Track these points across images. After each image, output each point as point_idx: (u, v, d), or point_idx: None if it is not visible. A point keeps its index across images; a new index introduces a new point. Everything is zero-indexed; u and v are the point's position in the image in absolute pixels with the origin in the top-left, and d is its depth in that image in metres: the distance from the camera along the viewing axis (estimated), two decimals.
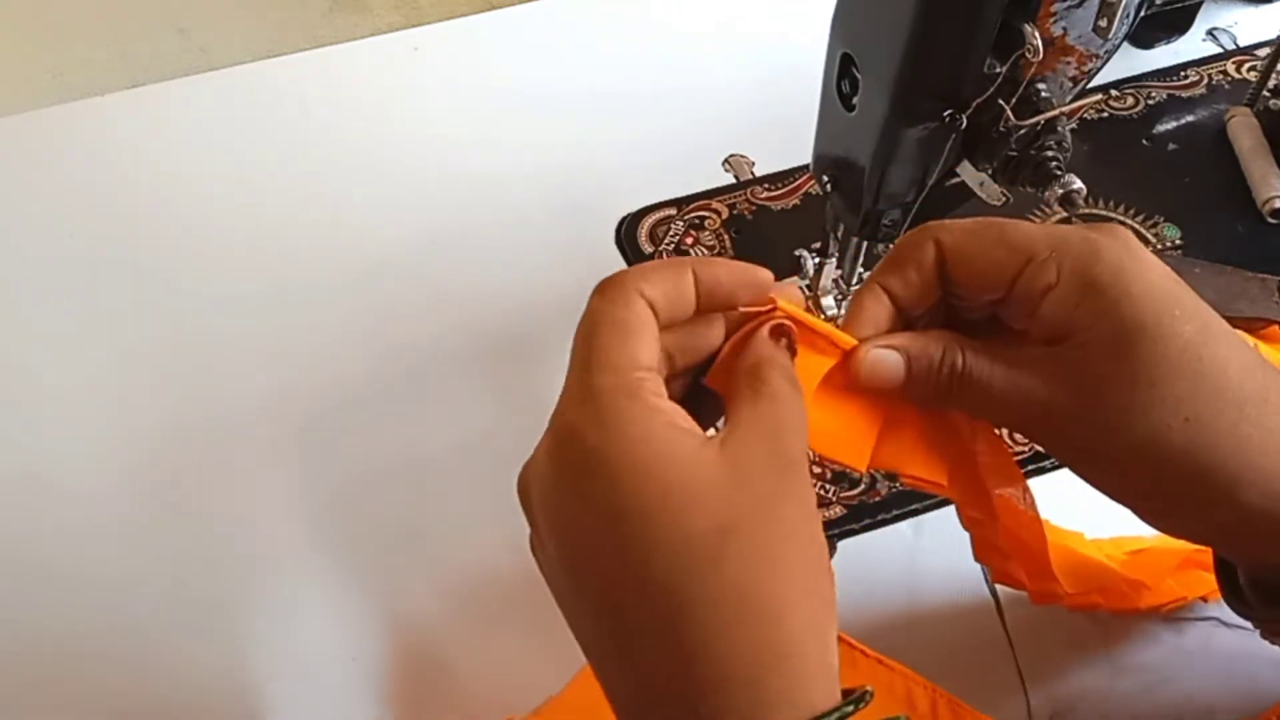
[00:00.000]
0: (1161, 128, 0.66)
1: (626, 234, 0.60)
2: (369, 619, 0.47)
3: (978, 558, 0.39)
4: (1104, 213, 0.61)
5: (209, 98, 0.67)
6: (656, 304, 0.30)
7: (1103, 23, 0.37)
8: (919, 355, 0.32)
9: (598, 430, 0.27)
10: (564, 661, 0.45)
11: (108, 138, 0.64)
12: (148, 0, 0.77)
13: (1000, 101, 0.38)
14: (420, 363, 0.55)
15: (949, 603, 0.46)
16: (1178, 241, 0.60)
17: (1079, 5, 0.37)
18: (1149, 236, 0.60)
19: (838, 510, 0.50)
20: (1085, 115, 0.66)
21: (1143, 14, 0.39)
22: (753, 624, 0.25)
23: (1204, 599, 0.46)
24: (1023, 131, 0.39)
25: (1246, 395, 0.29)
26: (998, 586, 0.42)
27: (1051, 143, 0.40)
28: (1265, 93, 0.65)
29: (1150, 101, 0.68)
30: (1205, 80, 0.69)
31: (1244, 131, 0.64)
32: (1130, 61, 0.70)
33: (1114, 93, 0.68)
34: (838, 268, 0.52)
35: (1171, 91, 0.68)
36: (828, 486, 0.51)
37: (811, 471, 0.46)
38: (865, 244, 0.49)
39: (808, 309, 0.34)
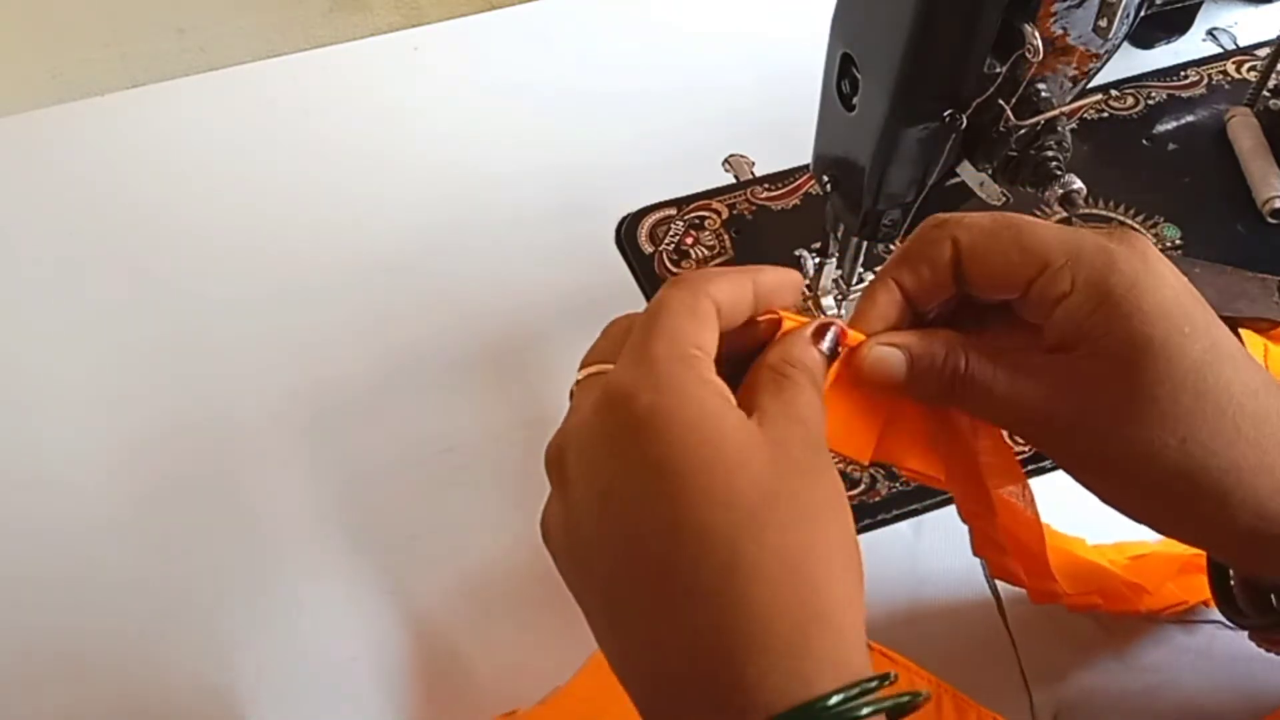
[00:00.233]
0: (1161, 128, 0.66)
1: (626, 234, 0.60)
2: (371, 617, 0.47)
3: (976, 551, 0.39)
4: (1104, 213, 0.61)
5: (209, 98, 0.67)
6: (720, 307, 0.30)
7: (1103, 23, 0.37)
8: (922, 354, 0.32)
9: (653, 391, 0.27)
10: (568, 656, 0.45)
11: (108, 138, 0.64)
12: (147, 0, 0.77)
13: (1000, 101, 0.38)
14: (420, 362, 0.55)
15: (950, 602, 0.47)
16: (1178, 241, 0.60)
17: (1079, 5, 0.37)
18: (1149, 236, 0.60)
19: None
20: (1085, 115, 0.66)
21: (1143, 14, 0.39)
22: (799, 586, 0.26)
23: (1205, 603, 0.46)
24: (1023, 131, 0.39)
25: (1246, 416, 0.30)
26: (999, 586, 0.42)
27: (1051, 143, 0.40)
28: (1265, 93, 0.65)
29: (1150, 101, 0.68)
30: (1205, 80, 0.69)
31: (1244, 131, 0.64)
32: (1130, 61, 0.70)
33: (1114, 93, 0.68)
34: (838, 268, 0.52)
35: (1171, 91, 0.68)
36: None
37: None
38: (865, 244, 0.49)
39: (808, 309, 0.34)
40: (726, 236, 0.60)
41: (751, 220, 0.61)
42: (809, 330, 0.32)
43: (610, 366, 0.30)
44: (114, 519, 0.49)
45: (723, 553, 0.26)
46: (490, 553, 0.48)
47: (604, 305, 0.57)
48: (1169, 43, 0.71)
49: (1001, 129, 0.39)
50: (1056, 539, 0.40)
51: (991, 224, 0.32)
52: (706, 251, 0.59)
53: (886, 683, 0.26)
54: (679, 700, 0.26)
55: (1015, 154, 0.40)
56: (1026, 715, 0.43)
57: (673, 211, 0.61)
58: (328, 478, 0.51)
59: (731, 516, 0.26)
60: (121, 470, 0.51)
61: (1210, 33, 0.73)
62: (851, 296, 0.52)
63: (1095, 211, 0.61)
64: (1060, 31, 0.38)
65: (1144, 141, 0.66)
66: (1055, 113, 0.39)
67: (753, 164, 0.64)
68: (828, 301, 0.53)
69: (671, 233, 0.60)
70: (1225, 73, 0.70)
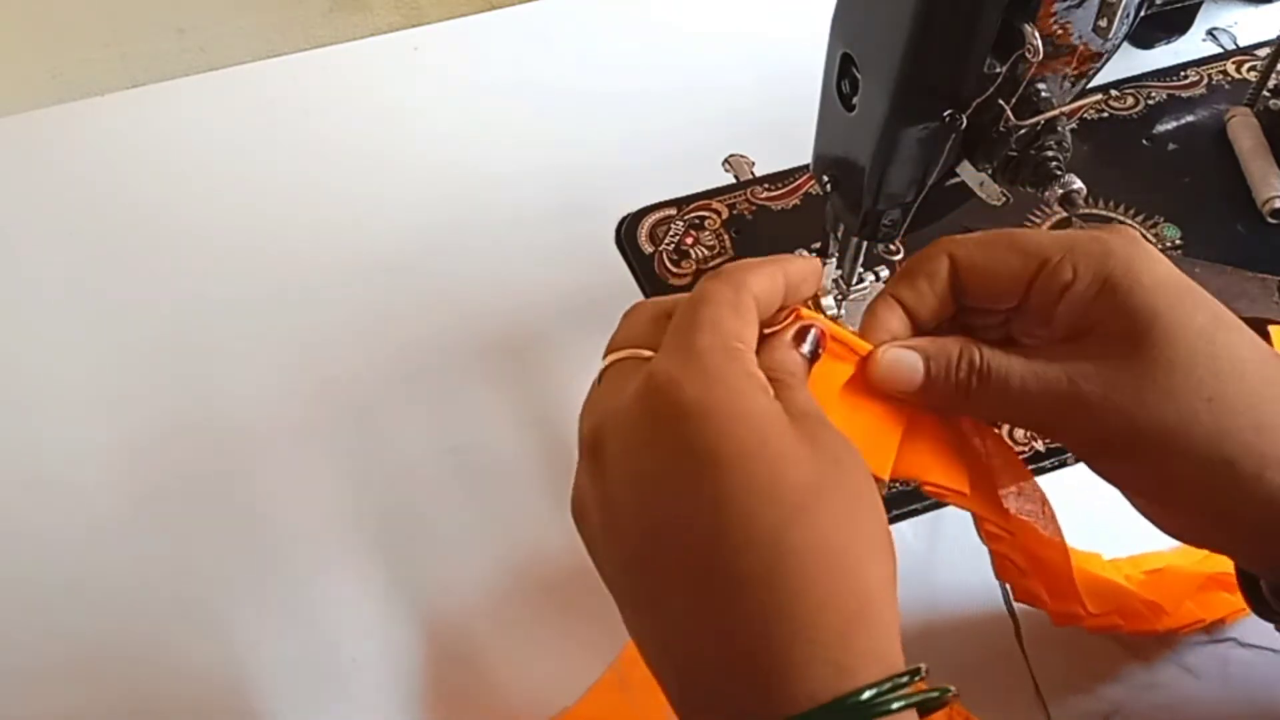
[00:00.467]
0: (1161, 128, 0.66)
1: (626, 234, 0.60)
2: (372, 616, 0.47)
3: (998, 575, 0.39)
4: (1104, 213, 0.61)
5: (209, 98, 0.67)
6: (759, 301, 0.31)
7: (1103, 23, 0.37)
8: (936, 354, 0.33)
9: (700, 383, 0.27)
10: (567, 656, 0.45)
11: (108, 138, 0.64)
12: (147, 0, 0.78)
13: (1000, 101, 0.38)
14: (420, 362, 0.55)
15: (955, 608, 0.46)
16: (1178, 241, 0.60)
17: (1079, 5, 0.37)
18: (1149, 236, 0.60)
19: None
20: (1085, 115, 0.66)
21: (1143, 14, 0.39)
22: (843, 578, 0.26)
23: (1223, 620, 0.45)
24: (1023, 131, 0.39)
25: (1264, 379, 0.30)
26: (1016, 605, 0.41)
27: (1051, 143, 0.40)
28: (1265, 93, 0.65)
29: (1150, 101, 0.68)
30: (1205, 80, 0.69)
31: (1244, 131, 0.64)
32: (1130, 61, 0.70)
33: (1114, 93, 0.68)
34: (838, 268, 0.52)
35: (1171, 91, 0.68)
36: None
37: None
38: (865, 244, 0.49)
39: (807, 308, 0.34)
40: (726, 236, 0.60)
41: (751, 220, 0.61)
42: (789, 334, 0.32)
43: (643, 352, 0.31)
44: (114, 519, 0.49)
45: (768, 542, 0.26)
46: (488, 552, 0.48)
47: (604, 305, 0.57)
48: (1169, 43, 0.71)
49: (1001, 129, 0.39)
50: (1074, 556, 0.39)
51: (983, 236, 0.33)
52: (706, 251, 0.59)
53: (918, 677, 0.26)
54: (716, 685, 0.26)
55: (1015, 154, 0.40)
56: None
57: (673, 211, 0.61)
58: (327, 478, 0.51)
59: (778, 508, 0.26)
60: (122, 470, 0.51)
61: (1210, 33, 0.73)
62: (852, 296, 0.52)
63: (1095, 211, 0.61)
64: (1060, 31, 0.38)
65: (1144, 141, 0.66)
66: (1055, 113, 0.39)
67: (753, 164, 0.64)
68: (827, 301, 0.53)
69: (671, 233, 0.60)
70: (1225, 73, 0.70)
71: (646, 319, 0.32)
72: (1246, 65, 0.70)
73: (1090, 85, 0.41)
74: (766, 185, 0.63)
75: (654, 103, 0.67)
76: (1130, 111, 0.67)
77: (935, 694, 0.26)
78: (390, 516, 0.50)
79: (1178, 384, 0.30)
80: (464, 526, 0.49)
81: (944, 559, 0.48)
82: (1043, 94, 0.39)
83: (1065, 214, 0.60)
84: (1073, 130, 0.41)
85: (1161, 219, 0.61)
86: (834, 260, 0.52)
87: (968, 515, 0.37)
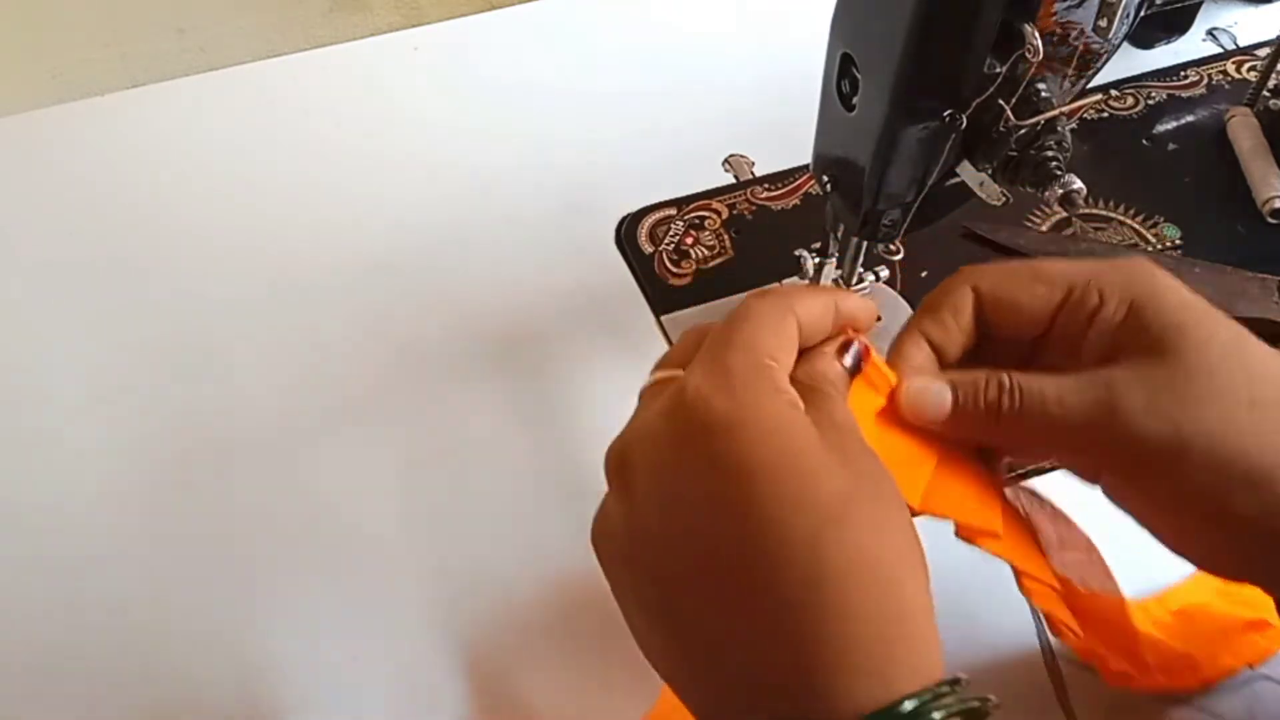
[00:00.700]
0: (1161, 128, 0.66)
1: (626, 234, 0.60)
2: (371, 616, 0.47)
3: (1053, 632, 0.38)
4: (1104, 213, 0.61)
5: (209, 98, 0.67)
6: (802, 327, 0.31)
7: (1103, 23, 0.37)
8: (965, 383, 0.33)
9: (727, 397, 0.27)
10: (566, 655, 0.45)
11: (108, 138, 0.64)
12: (147, 0, 0.78)
13: (1000, 101, 0.38)
14: (419, 362, 0.55)
15: (976, 636, 0.45)
16: (1178, 241, 0.60)
17: (1079, 5, 0.37)
18: (1149, 236, 0.60)
19: None
20: (1085, 115, 0.66)
21: (1143, 14, 0.39)
22: (882, 590, 0.26)
23: (1250, 665, 0.44)
24: (1023, 131, 0.39)
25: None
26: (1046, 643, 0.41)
27: (1051, 143, 0.40)
28: (1265, 93, 0.65)
29: (1150, 101, 0.68)
30: (1205, 80, 0.69)
31: (1244, 131, 0.64)
32: (1130, 61, 0.70)
33: (1114, 93, 0.68)
34: (838, 268, 0.52)
35: (1171, 91, 0.68)
36: None
37: None
38: (865, 244, 0.49)
39: None
40: (726, 236, 0.60)
41: (751, 220, 0.61)
42: (832, 346, 0.32)
43: (679, 372, 0.30)
44: (114, 518, 0.49)
45: (805, 556, 0.26)
46: (487, 553, 0.48)
47: (604, 305, 0.57)
48: (1169, 43, 0.71)
49: (1001, 129, 0.39)
50: (1097, 601, 0.38)
51: (1007, 267, 0.34)
52: (706, 251, 0.59)
53: (959, 688, 0.26)
54: (756, 703, 0.26)
55: (1015, 154, 0.40)
56: None
57: (673, 211, 0.61)
58: (327, 479, 0.51)
59: (812, 520, 0.26)
60: (121, 469, 0.51)
61: (1210, 33, 0.73)
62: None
63: (1095, 211, 0.61)
64: (1060, 31, 0.38)
65: (1144, 141, 0.66)
66: (1055, 113, 0.39)
67: (753, 164, 0.64)
68: None
69: (671, 233, 0.60)
70: (1225, 73, 0.70)
71: (692, 341, 0.32)
72: (1246, 65, 0.70)
73: (1090, 85, 0.41)
74: (766, 185, 0.63)
75: (654, 103, 0.67)
76: (1130, 111, 0.67)
77: (976, 703, 0.26)
78: (389, 516, 0.50)
79: (1218, 387, 0.30)
80: (463, 526, 0.49)
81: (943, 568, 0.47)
82: (1043, 94, 0.39)
83: (1065, 214, 0.60)
84: (1073, 130, 0.40)
85: (1161, 219, 0.61)
86: (834, 260, 0.52)
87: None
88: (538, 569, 0.48)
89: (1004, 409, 0.32)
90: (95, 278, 0.58)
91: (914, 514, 0.31)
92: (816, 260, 0.53)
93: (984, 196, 0.42)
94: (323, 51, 0.70)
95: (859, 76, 0.41)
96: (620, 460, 0.29)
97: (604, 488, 0.47)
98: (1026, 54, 0.36)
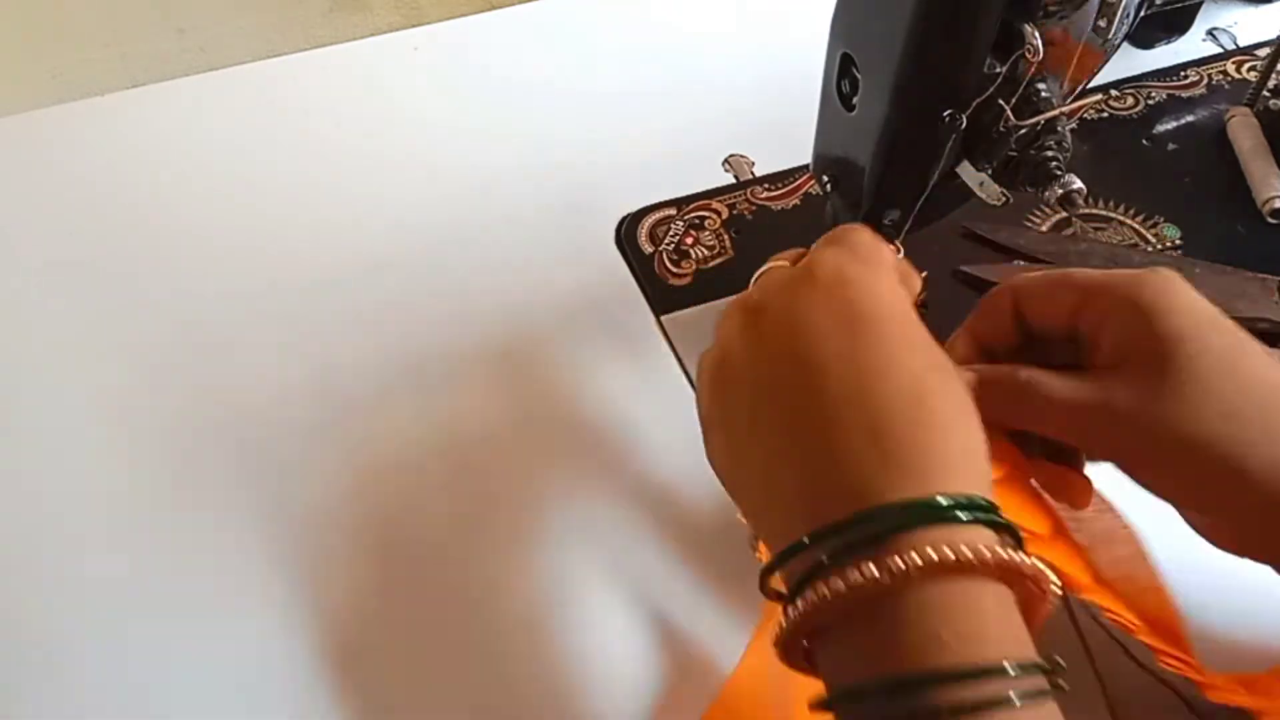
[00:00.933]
0: (1161, 128, 0.66)
1: (626, 234, 0.60)
2: (369, 616, 0.47)
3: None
4: (1104, 213, 0.61)
5: (209, 98, 0.67)
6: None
7: (1103, 23, 0.37)
8: (988, 372, 0.38)
9: (860, 263, 0.35)
10: (565, 660, 0.45)
11: (108, 138, 0.64)
12: (148, 0, 0.78)
13: (1000, 101, 0.38)
14: (419, 362, 0.55)
15: None
16: (1178, 241, 0.60)
17: (1079, 5, 0.37)
18: (1149, 236, 0.60)
19: None
20: (1085, 115, 0.66)
21: (1143, 14, 0.39)
22: (966, 422, 0.32)
23: None
24: (1023, 131, 0.39)
25: (1275, 400, 0.34)
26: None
27: (1051, 143, 0.40)
28: (1265, 93, 0.65)
29: (1150, 101, 0.68)
30: (1205, 80, 0.69)
31: (1244, 131, 0.64)
32: (1130, 61, 0.70)
33: (1114, 93, 0.68)
34: None
35: (1171, 91, 0.68)
36: None
37: None
38: None
39: None
40: (726, 236, 0.60)
41: (751, 220, 0.61)
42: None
43: (788, 263, 0.38)
44: (113, 518, 0.49)
45: (910, 385, 0.32)
46: (485, 553, 0.48)
47: (604, 305, 0.57)
48: (1169, 43, 0.71)
49: (1001, 129, 0.39)
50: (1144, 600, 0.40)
51: (1043, 275, 0.39)
52: (706, 251, 0.59)
53: (999, 513, 0.31)
54: (855, 468, 0.31)
55: (1015, 154, 0.40)
56: None
57: (673, 211, 0.61)
58: (326, 480, 0.51)
59: (921, 361, 0.33)
60: (121, 469, 0.51)
61: (1210, 33, 0.73)
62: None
63: (1095, 211, 0.61)
64: (1060, 31, 0.38)
65: (1144, 141, 0.66)
66: (1055, 113, 0.39)
67: (753, 164, 0.64)
68: None
69: (671, 233, 0.60)
70: (1225, 73, 0.70)
71: (794, 253, 0.39)
72: (1246, 65, 0.70)
73: (1090, 85, 0.41)
74: (766, 185, 0.63)
75: (654, 103, 0.67)
76: (1130, 111, 0.67)
77: (1004, 522, 0.31)
78: (389, 517, 0.50)
79: (1199, 400, 0.34)
80: (462, 526, 0.49)
81: None
82: (1043, 94, 0.39)
83: (1065, 214, 0.60)
84: (1073, 130, 0.41)
85: (1161, 219, 0.61)
86: None
87: None
88: (537, 568, 0.48)
89: (1020, 398, 0.37)
90: (95, 278, 0.58)
91: None
92: None
93: (984, 196, 0.42)
94: (323, 51, 0.70)
95: (859, 76, 0.41)
96: (751, 304, 0.36)
97: (603, 487, 0.47)
98: (1026, 54, 0.36)
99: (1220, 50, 0.72)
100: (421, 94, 0.68)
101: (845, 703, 0.30)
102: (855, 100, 0.42)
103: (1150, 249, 0.60)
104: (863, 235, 0.36)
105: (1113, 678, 0.42)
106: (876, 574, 0.29)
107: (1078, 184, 0.39)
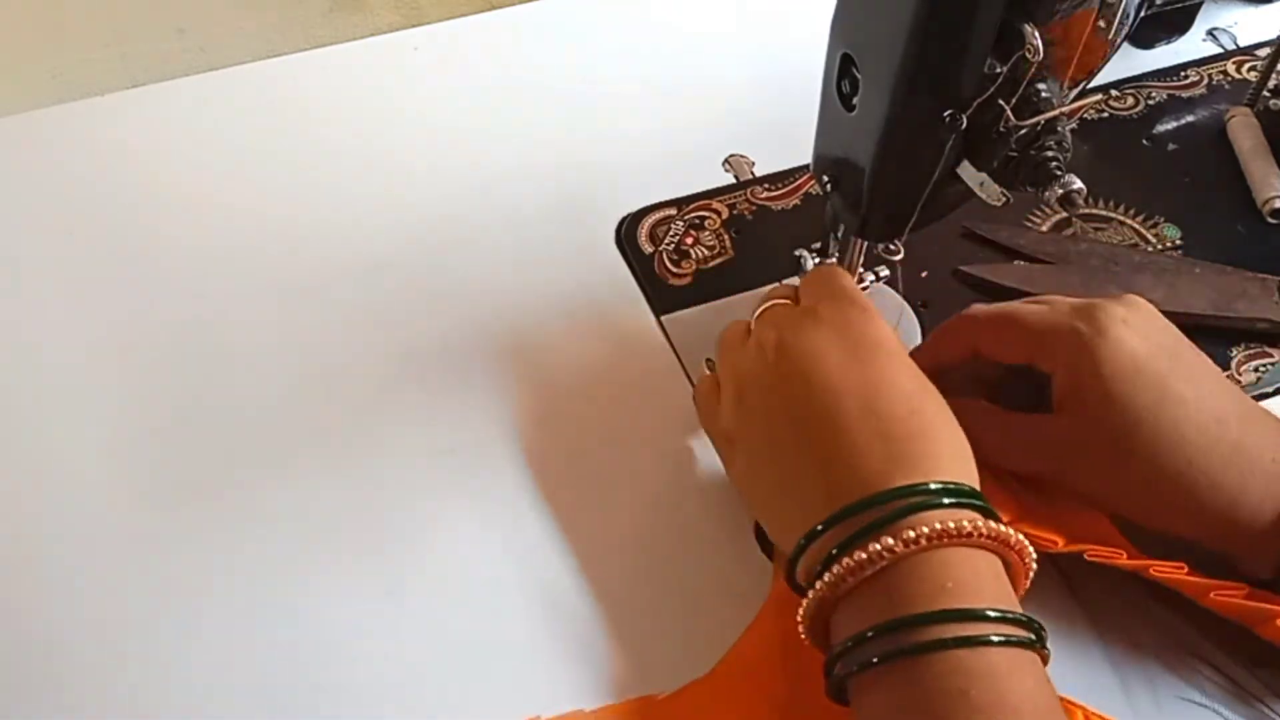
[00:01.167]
0: (1161, 128, 0.66)
1: (626, 234, 0.60)
2: (370, 618, 0.47)
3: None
4: (1104, 213, 0.61)
5: (209, 98, 0.67)
6: None
7: (1102, 23, 0.37)
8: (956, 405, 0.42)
9: (859, 308, 0.42)
10: (568, 662, 0.45)
11: (108, 138, 0.64)
12: (148, 0, 0.77)
13: (1000, 101, 0.38)
14: (418, 363, 0.55)
15: None
16: (1178, 241, 0.60)
17: (1079, 5, 0.37)
18: (1149, 236, 0.60)
19: None
20: (1085, 115, 0.66)
21: (1143, 14, 0.39)
22: (955, 433, 0.39)
23: None
24: (1023, 131, 0.39)
25: (1196, 448, 0.40)
26: None
27: (1051, 143, 0.40)
28: (1265, 93, 0.65)
29: (1150, 101, 0.68)
30: (1205, 80, 0.69)
31: (1244, 131, 0.64)
32: (1130, 61, 0.70)
33: (1114, 93, 0.68)
34: None
35: (1171, 91, 0.68)
36: None
37: None
38: (865, 244, 0.49)
39: None
40: (726, 236, 0.60)
41: (751, 220, 0.61)
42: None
43: (788, 301, 0.45)
44: (112, 517, 0.49)
45: (909, 403, 0.39)
46: (484, 553, 0.48)
47: (604, 305, 0.57)
48: (1169, 43, 0.71)
49: (1001, 129, 0.39)
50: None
51: (994, 312, 0.46)
52: (706, 251, 0.59)
53: (983, 499, 0.37)
54: (866, 473, 0.37)
55: (1015, 154, 0.40)
56: None
57: (673, 211, 0.61)
58: (326, 480, 0.51)
59: (917, 382, 0.40)
60: (121, 469, 0.51)
61: (1210, 33, 0.73)
62: None
63: (1095, 211, 0.62)
64: (1061, 31, 0.38)
65: (1144, 141, 0.66)
66: (1055, 113, 0.39)
67: (753, 164, 0.64)
68: None
69: (671, 233, 0.60)
70: (1225, 73, 0.70)
71: (785, 289, 0.47)
72: (1246, 65, 0.70)
73: (1090, 85, 0.41)
74: (766, 185, 0.63)
75: (654, 103, 0.67)
76: (1130, 111, 0.67)
77: (988, 508, 0.37)
78: (388, 517, 0.50)
79: (1126, 456, 0.41)
80: (461, 527, 0.49)
81: None
82: (1043, 94, 0.39)
83: (1065, 214, 0.60)
84: (1073, 130, 0.41)
85: (1161, 219, 0.61)
86: (834, 260, 0.52)
87: None
88: (537, 568, 0.48)
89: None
90: (95, 277, 0.58)
91: None
92: (816, 260, 0.53)
93: (984, 196, 0.42)
94: (323, 51, 0.70)
95: (859, 76, 0.41)
96: (767, 342, 0.42)
97: (603, 486, 0.47)
98: (1026, 54, 0.36)
99: (1220, 50, 0.72)
100: (421, 94, 0.68)
101: (851, 648, 0.35)
102: (855, 100, 0.41)
103: (1150, 249, 0.60)
104: (848, 281, 0.44)
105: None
106: (892, 543, 0.35)
107: (1078, 184, 0.39)
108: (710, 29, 0.72)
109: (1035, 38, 0.36)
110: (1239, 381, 0.54)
